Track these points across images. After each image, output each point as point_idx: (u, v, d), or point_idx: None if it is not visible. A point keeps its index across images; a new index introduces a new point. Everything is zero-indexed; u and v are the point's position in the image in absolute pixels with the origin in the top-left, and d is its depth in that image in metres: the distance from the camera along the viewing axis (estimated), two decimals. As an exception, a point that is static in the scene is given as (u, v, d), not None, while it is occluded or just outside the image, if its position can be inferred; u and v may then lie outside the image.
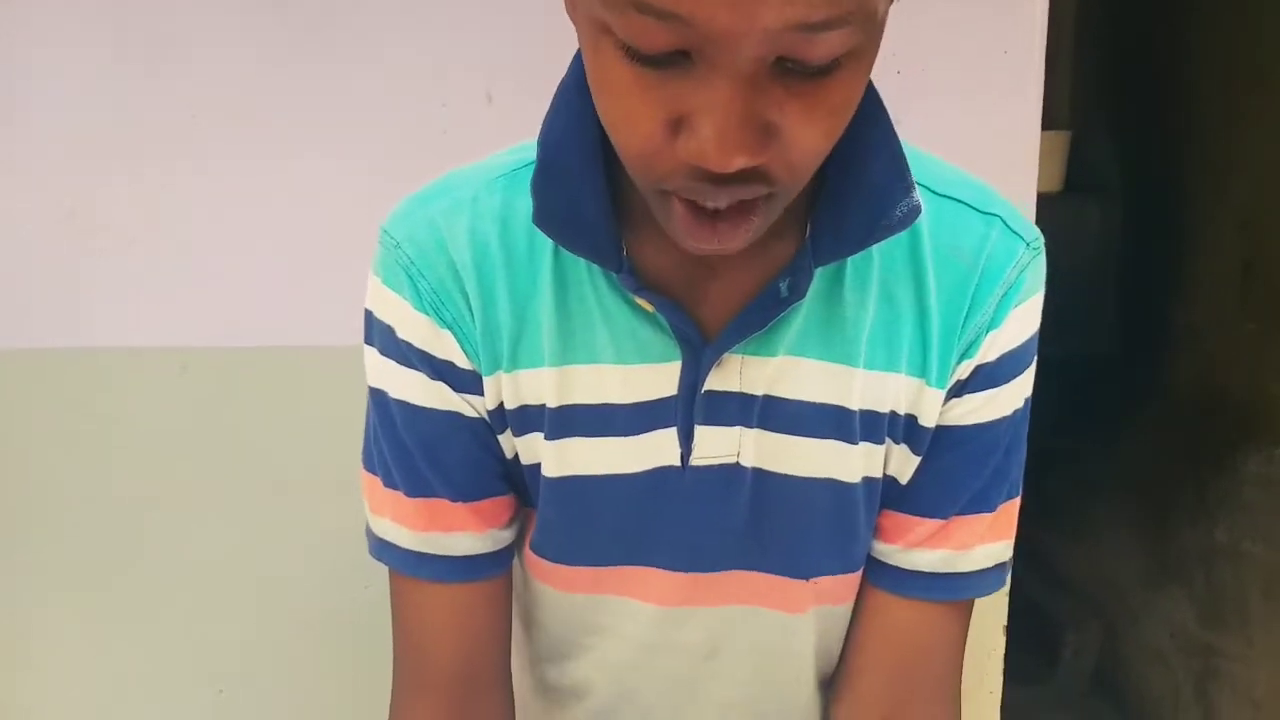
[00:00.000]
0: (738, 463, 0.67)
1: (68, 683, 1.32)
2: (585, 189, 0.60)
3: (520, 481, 0.71)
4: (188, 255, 1.23)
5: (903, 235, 0.64)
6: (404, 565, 0.70)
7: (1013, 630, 1.47)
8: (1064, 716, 2.69)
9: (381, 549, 0.71)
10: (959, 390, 0.67)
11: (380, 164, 1.22)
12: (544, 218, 0.60)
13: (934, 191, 0.67)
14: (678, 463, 0.66)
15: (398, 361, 0.66)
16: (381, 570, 0.79)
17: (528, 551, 0.73)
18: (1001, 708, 1.46)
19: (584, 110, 0.57)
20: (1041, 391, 1.92)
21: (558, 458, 0.67)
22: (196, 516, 1.28)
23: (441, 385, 0.66)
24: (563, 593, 0.74)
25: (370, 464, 0.71)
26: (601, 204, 0.60)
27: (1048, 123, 2.60)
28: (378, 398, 0.68)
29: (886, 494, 0.70)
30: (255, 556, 1.30)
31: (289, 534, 1.30)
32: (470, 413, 0.67)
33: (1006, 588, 1.38)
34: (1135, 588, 2.71)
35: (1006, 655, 1.45)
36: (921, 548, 0.70)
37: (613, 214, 0.61)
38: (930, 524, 0.70)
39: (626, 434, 0.66)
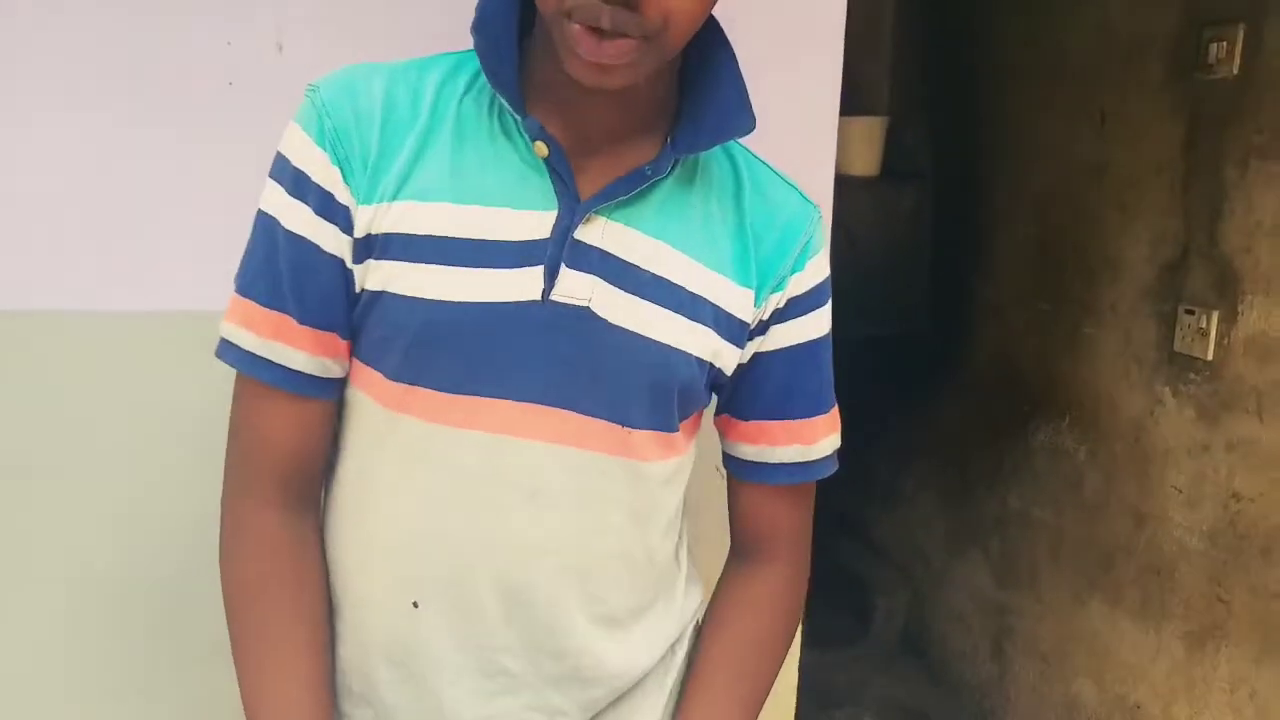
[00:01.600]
0: (589, 308, 0.78)
1: None
2: (503, 50, 0.76)
3: (366, 316, 0.79)
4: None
5: (729, 168, 0.86)
6: (243, 364, 0.80)
7: (827, 595, 1.52)
8: (874, 677, 2.83)
9: (225, 349, 0.81)
10: (781, 317, 0.86)
11: (160, 116, 1.13)
12: (480, 50, 0.76)
13: (749, 152, 0.89)
14: (539, 297, 0.77)
15: (291, 193, 0.77)
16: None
17: (381, 380, 0.80)
18: (809, 670, 1.51)
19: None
20: (857, 366, 1.99)
21: (428, 282, 0.76)
22: (24, 494, 1.18)
23: (320, 219, 0.77)
24: (400, 415, 0.80)
25: (237, 277, 0.81)
26: (512, 59, 0.76)
27: (866, 109, 2.71)
28: (265, 222, 0.79)
29: (748, 404, 0.89)
30: (94, 536, 1.20)
31: (123, 521, 1.20)
32: (334, 250, 0.78)
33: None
34: (939, 552, 2.88)
35: (820, 621, 1.50)
36: (779, 446, 0.90)
37: (519, 78, 0.77)
38: (785, 426, 0.89)
39: (498, 267, 0.77)
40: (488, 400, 0.79)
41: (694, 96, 0.80)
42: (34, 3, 1.09)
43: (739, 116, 0.81)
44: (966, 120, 2.74)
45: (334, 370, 0.82)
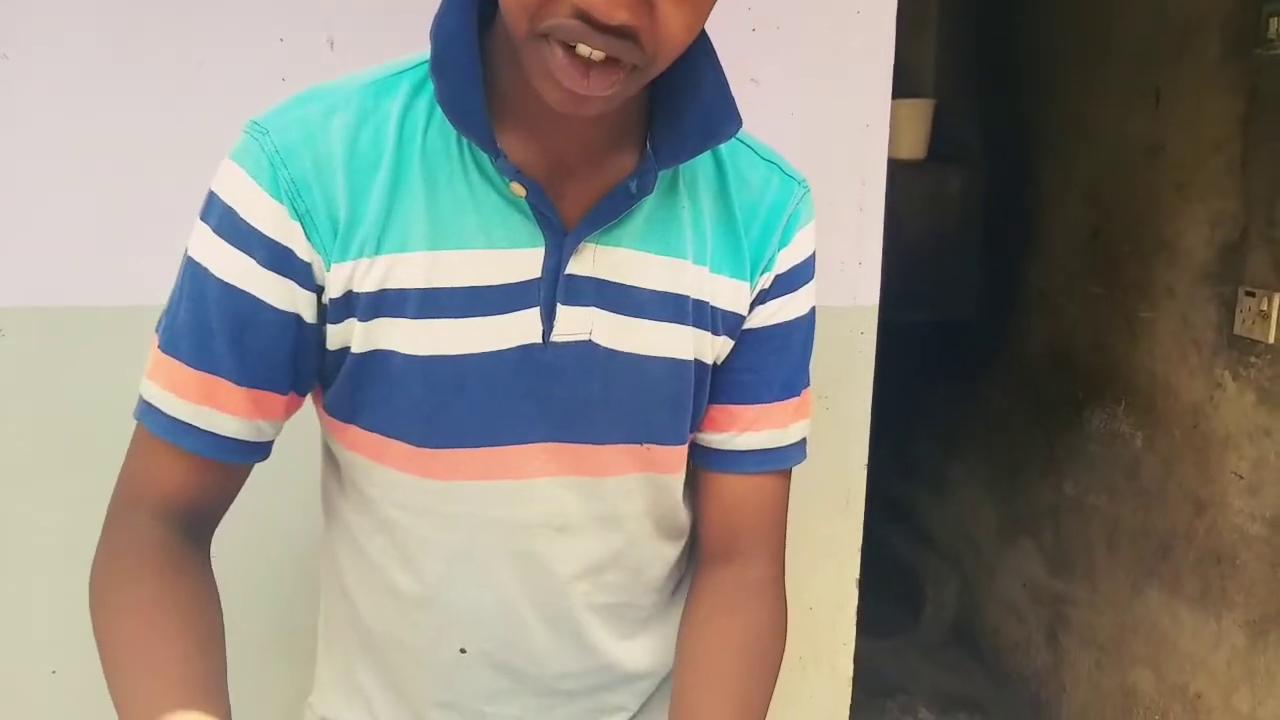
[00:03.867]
0: (590, 340, 0.75)
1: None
2: (468, 82, 0.68)
3: (352, 373, 0.74)
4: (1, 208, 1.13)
5: (711, 160, 0.80)
6: (165, 432, 0.72)
7: (877, 585, 1.51)
8: (926, 666, 2.81)
9: (147, 412, 0.73)
10: (763, 298, 0.82)
11: (213, 112, 1.14)
12: (441, 97, 0.68)
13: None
14: (539, 339, 0.74)
15: (232, 243, 0.70)
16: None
17: (387, 443, 0.76)
18: (860, 659, 1.50)
19: (467, 9, 0.68)
20: (903, 353, 1.97)
21: (425, 338, 0.72)
22: (21, 488, 1.20)
23: (269, 273, 0.70)
24: (419, 479, 0.77)
25: (159, 328, 0.74)
26: (481, 98, 0.68)
27: (912, 91, 2.68)
28: (195, 271, 0.71)
29: (717, 389, 0.83)
30: (87, 529, 1.22)
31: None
32: (286, 306, 0.71)
33: (860, 546, 1.44)
34: (990, 541, 2.84)
35: (870, 610, 1.49)
36: (749, 431, 0.84)
37: (489, 109, 0.69)
38: (754, 409, 0.84)
39: (493, 313, 0.73)
40: (504, 449, 0.76)
41: (672, 100, 0.73)
42: None
43: (723, 120, 0.74)
44: (1015, 102, 2.69)
45: (268, 433, 0.76)
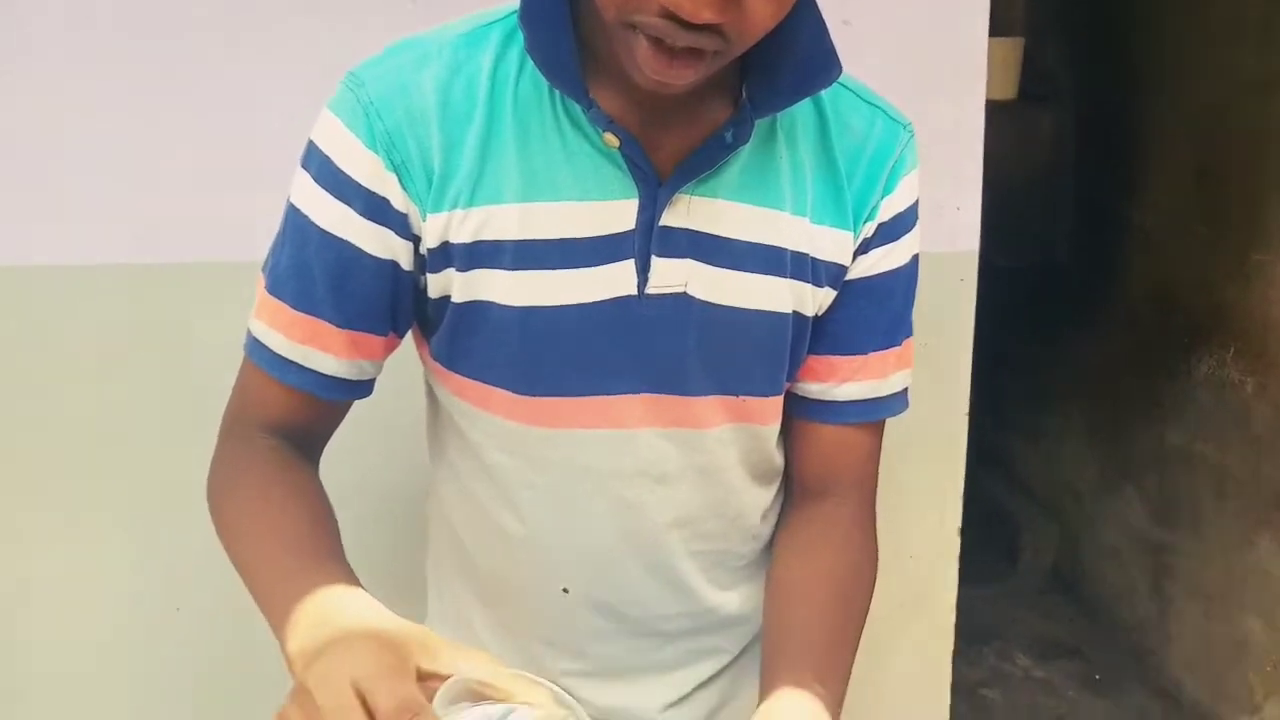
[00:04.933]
0: (686, 292, 0.75)
1: (20, 600, 1.26)
2: (557, 33, 0.69)
3: (454, 322, 0.76)
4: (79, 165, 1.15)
5: (811, 106, 0.78)
6: (271, 367, 0.76)
7: (973, 533, 1.50)
8: (1023, 613, 2.78)
9: (255, 347, 0.77)
10: (865, 248, 0.81)
11: (296, 65, 1.13)
12: (532, 47, 0.69)
13: None
14: (634, 291, 0.75)
15: (330, 191, 0.72)
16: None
17: (490, 389, 0.78)
18: (960, 608, 1.50)
19: None
20: (998, 299, 1.94)
21: (521, 290, 0.73)
22: (149, 431, 1.23)
23: (367, 222, 0.72)
24: (521, 426, 0.78)
25: (266, 269, 0.77)
26: (572, 49, 0.69)
27: (1001, 29, 2.60)
28: (297, 218, 0.74)
29: (816, 340, 0.83)
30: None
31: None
32: (383, 253, 0.73)
33: (961, 508, 1.42)
34: (1090, 489, 2.78)
35: (967, 557, 1.48)
36: (849, 382, 0.84)
37: (579, 60, 0.70)
38: (855, 360, 0.83)
39: (587, 265, 0.73)
40: (604, 399, 0.77)
41: (768, 48, 0.71)
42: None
43: (822, 67, 0.73)
44: (1110, 37, 2.59)
45: (369, 371, 0.79)
